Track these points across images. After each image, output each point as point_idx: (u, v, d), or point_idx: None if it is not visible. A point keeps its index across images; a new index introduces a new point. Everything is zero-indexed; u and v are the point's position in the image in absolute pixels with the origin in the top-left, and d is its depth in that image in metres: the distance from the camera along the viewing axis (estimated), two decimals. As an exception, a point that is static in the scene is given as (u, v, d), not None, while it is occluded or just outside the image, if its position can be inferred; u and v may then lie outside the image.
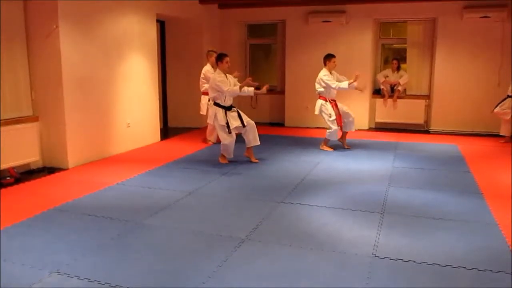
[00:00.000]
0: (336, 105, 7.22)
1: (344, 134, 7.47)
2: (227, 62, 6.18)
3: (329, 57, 7.18)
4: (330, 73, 7.13)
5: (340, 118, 7.18)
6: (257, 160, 6.38)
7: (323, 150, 7.29)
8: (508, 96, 7.99)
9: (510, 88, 7.96)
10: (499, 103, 8.05)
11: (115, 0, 6.85)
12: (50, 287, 2.89)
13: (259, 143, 6.34)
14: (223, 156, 6.40)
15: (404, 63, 9.71)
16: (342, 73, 9.81)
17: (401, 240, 3.67)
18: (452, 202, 4.68)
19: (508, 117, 7.93)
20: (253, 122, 6.31)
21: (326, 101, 7.15)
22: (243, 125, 6.19)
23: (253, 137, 6.28)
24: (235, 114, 6.22)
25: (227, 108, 6.18)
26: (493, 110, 8.13)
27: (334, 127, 7.12)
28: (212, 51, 7.76)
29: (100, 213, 4.26)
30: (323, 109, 7.15)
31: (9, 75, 5.69)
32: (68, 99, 6.04)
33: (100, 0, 6.52)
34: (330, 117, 7.09)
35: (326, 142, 7.36)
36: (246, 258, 3.34)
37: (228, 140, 6.18)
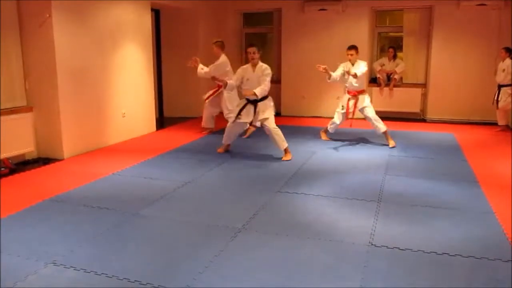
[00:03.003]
0: (356, 100, 6.79)
1: (385, 134, 6.93)
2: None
3: (347, 49, 6.85)
4: (352, 65, 6.72)
5: (347, 113, 6.87)
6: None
7: (321, 139, 7.24)
8: (500, 86, 8.01)
9: (501, 77, 7.96)
10: (497, 98, 8.04)
11: (109, -11, 6.78)
12: (46, 278, 2.88)
13: (281, 149, 6.11)
14: (223, 145, 6.38)
15: (401, 51, 9.68)
16: (338, 61, 9.81)
17: (398, 228, 3.68)
18: (449, 190, 4.68)
19: (510, 106, 7.96)
20: (272, 127, 5.96)
21: (345, 93, 6.97)
22: (250, 123, 6.13)
23: (276, 143, 6.06)
24: (252, 110, 5.97)
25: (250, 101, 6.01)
26: (497, 107, 8.10)
27: (336, 121, 7.02)
28: (219, 41, 7.66)
29: (96, 204, 4.24)
30: (341, 99, 7.04)
31: (2, 65, 5.62)
32: (62, 89, 5.99)
33: (94, -12, 6.45)
34: (342, 109, 6.94)
35: (326, 131, 7.29)
36: (243, 248, 3.33)
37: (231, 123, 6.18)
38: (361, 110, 6.81)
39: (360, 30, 9.47)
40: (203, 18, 9.71)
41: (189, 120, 9.31)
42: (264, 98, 5.94)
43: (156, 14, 9.43)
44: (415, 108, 9.47)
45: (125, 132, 7.32)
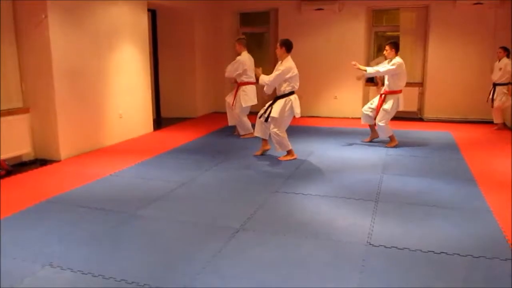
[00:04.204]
0: (383, 99, 6.71)
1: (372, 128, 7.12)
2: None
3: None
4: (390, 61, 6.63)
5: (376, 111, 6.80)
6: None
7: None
8: (495, 84, 8.02)
9: (497, 75, 7.97)
10: (492, 97, 8.05)
11: (105, -11, 6.76)
12: (43, 280, 2.87)
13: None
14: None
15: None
16: (335, 60, 9.82)
17: (396, 227, 3.68)
18: (446, 189, 4.69)
19: (509, 103, 7.97)
20: (271, 129, 5.92)
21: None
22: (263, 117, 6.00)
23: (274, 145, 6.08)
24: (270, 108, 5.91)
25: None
26: (492, 105, 8.12)
27: (363, 110, 6.99)
28: (240, 38, 7.57)
29: (93, 205, 4.23)
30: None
31: (-2, 66, 5.61)
32: (59, 90, 5.96)
33: (90, -11, 6.43)
34: (371, 104, 6.91)
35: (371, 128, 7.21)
36: (241, 248, 3.33)
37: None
38: (382, 109, 6.69)
39: (356, 30, 9.49)
40: (199, 18, 9.71)
41: (186, 121, 9.31)
42: (283, 96, 5.78)
43: (153, 14, 9.43)
44: (413, 107, 9.47)
45: (122, 133, 7.30)
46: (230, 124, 7.78)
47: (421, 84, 9.53)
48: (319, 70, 9.70)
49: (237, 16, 10.57)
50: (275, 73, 5.75)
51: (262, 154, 6.23)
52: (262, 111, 6.04)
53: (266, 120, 5.91)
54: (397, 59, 6.52)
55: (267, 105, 5.99)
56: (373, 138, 7.10)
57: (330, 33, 9.61)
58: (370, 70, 6.69)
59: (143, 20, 7.85)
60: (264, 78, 5.86)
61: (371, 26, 9.84)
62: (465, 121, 9.07)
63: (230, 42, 10.31)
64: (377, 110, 6.75)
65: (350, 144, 6.98)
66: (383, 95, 6.74)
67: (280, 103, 5.80)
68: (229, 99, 7.61)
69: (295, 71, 5.76)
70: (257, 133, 6.21)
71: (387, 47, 6.61)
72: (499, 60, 7.95)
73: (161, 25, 9.61)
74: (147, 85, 8.07)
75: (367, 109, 6.94)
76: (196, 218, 3.93)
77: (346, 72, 9.64)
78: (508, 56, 7.86)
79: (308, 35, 9.64)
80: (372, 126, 7.02)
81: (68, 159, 6.09)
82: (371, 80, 9.70)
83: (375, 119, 6.79)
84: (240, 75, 7.28)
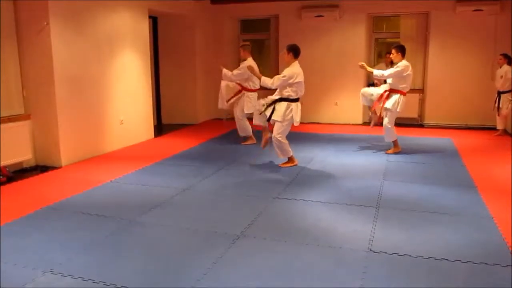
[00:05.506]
0: (387, 97, 6.66)
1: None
2: None
3: None
4: (391, 67, 6.72)
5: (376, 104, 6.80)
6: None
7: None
8: (500, 92, 8.00)
9: (500, 83, 7.96)
10: (498, 105, 8.03)
11: (107, -4, 6.80)
12: (44, 286, 2.86)
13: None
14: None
15: (398, 57, 9.68)
16: (336, 67, 9.84)
17: (397, 234, 3.67)
18: (447, 195, 4.68)
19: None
20: (274, 135, 5.86)
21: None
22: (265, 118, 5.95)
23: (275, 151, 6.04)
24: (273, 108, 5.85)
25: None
26: (499, 113, 8.10)
27: (363, 92, 7.03)
28: (244, 44, 7.58)
29: (93, 211, 4.23)
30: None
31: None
32: (60, 96, 5.98)
33: (91, -4, 6.46)
34: (371, 95, 6.90)
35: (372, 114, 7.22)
36: (242, 254, 3.32)
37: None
38: (384, 109, 6.67)
39: (357, 36, 9.52)
40: (200, 25, 9.75)
41: (187, 127, 9.32)
42: (284, 100, 5.74)
43: (154, 21, 9.46)
44: (413, 114, 9.47)
45: (123, 139, 7.31)
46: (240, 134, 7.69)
47: (421, 91, 9.54)
48: (320, 76, 9.71)
49: (238, 22, 10.61)
50: (280, 77, 5.70)
51: (266, 145, 6.12)
52: (262, 102, 5.88)
53: (268, 120, 5.85)
54: (403, 62, 6.49)
55: (266, 102, 5.87)
56: (376, 122, 7.07)
57: (331, 39, 9.64)
58: (376, 72, 6.64)
59: (144, 27, 7.88)
60: (266, 81, 5.83)
61: (372, 33, 9.87)
62: (466, 127, 9.08)
63: (231, 49, 10.36)
64: (380, 108, 6.71)
65: (351, 150, 6.98)
66: (386, 93, 6.66)
67: (282, 106, 5.74)
68: (234, 107, 7.61)
69: (299, 78, 5.68)
70: (256, 121, 6.07)
71: (393, 51, 6.61)
72: (500, 67, 7.95)
73: (162, 32, 9.65)
74: (148, 91, 8.08)
75: (369, 92, 6.90)
76: (196, 224, 3.93)
77: (347, 78, 9.69)
78: (509, 63, 7.85)
79: (308, 41, 9.66)
80: (373, 112, 6.97)
81: (69, 166, 6.09)
82: (371, 84, 9.71)
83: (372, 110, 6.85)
84: (246, 80, 7.28)
